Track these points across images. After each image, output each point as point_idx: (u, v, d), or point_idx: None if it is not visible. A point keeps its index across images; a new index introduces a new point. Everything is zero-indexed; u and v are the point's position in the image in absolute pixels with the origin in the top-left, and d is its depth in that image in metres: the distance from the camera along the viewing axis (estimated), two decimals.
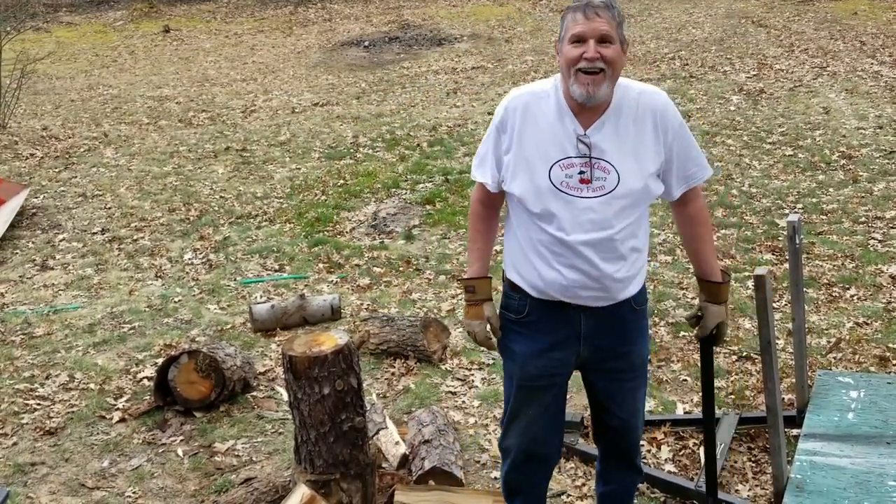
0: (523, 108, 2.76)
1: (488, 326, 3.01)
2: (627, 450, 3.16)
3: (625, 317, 2.88)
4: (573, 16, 2.65)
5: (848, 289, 5.70)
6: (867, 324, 5.24)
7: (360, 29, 17.36)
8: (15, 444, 4.47)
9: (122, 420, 4.65)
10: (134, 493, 4.06)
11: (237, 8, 20.30)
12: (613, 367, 2.97)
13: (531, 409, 3.02)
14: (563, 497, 3.86)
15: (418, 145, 9.54)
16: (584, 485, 3.92)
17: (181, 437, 4.48)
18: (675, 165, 2.79)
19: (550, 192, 2.71)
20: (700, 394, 4.57)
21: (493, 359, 5.06)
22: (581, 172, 2.68)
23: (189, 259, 6.87)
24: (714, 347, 3.11)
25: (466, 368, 4.99)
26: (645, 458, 4.07)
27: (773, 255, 6.28)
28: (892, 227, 6.61)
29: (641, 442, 4.14)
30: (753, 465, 4.00)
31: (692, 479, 3.80)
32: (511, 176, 2.79)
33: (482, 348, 5.14)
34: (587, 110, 2.68)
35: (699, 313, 2.99)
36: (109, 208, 8.11)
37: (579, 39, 2.62)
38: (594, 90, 2.61)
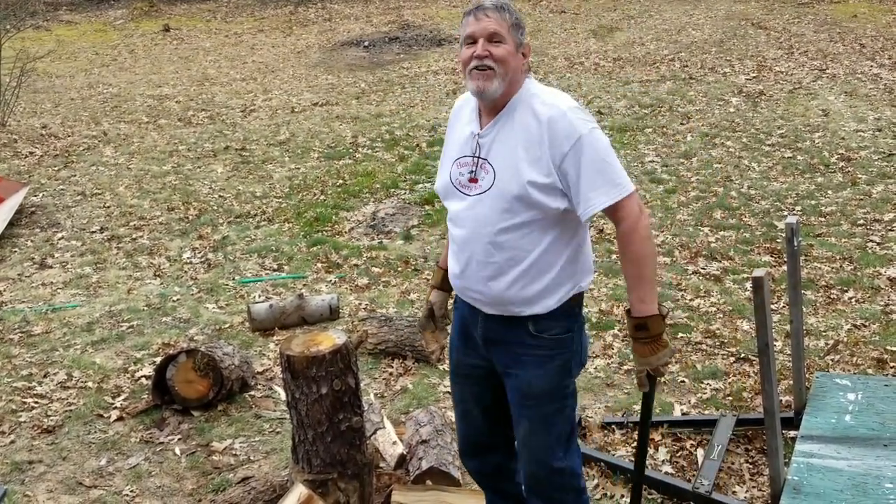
0: (455, 111, 2.97)
1: (432, 310, 3.21)
2: (526, 480, 3.02)
3: (520, 339, 2.82)
4: (466, 19, 2.76)
5: (846, 291, 5.70)
6: (865, 326, 5.24)
7: (360, 29, 17.37)
8: (13, 442, 4.47)
9: (119, 419, 4.65)
10: (131, 491, 4.06)
11: (237, 7, 20.30)
12: (508, 385, 2.92)
13: (465, 397, 3.11)
14: None
15: (417, 145, 9.54)
16: None
17: (179, 436, 4.48)
18: (570, 183, 2.65)
19: (449, 188, 2.84)
20: (697, 395, 4.58)
21: None
22: (471, 171, 2.78)
23: (188, 258, 6.87)
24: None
25: None
26: None
27: (771, 256, 6.28)
28: (890, 230, 6.62)
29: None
30: (751, 466, 4.00)
31: (689, 481, 3.80)
32: (438, 172, 2.98)
33: None
34: (489, 111, 2.77)
35: None
36: (108, 207, 8.11)
37: (471, 40, 2.72)
38: (484, 85, 2.69)
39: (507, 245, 2.72)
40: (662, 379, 2.82)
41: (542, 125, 2.65)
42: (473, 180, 2.76)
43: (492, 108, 2.75)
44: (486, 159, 2.74)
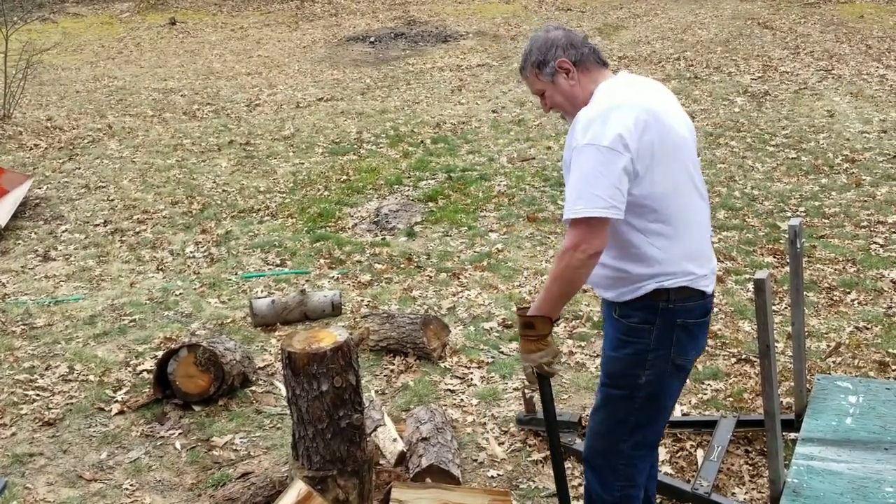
0: None
1: None
2: (584, 450, 3.17)
3: (611, 318, 2.95)
4: None
5: (848, 293, 5.69)
6: (867, 328, 5.23)
7: (365, 24, 17.36)
8: (14, 434, 4.48)
9: (120, 412, 4.66)
10: (131, 485, 4.07)
11: (243, 1, 20.29)
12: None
13: None
14: None
15: (422, 142, 9.54)
16: (580, 485, 3.92)
17: (179, 431, 4.49)
18: None
19: None
20: (698, 396, 4.58)
21: (492, 357, 5.07)
22: None
23: (191, 252, 6.88)
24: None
25: (465, 367, 5.00)
26: None
27: (774, 257, 6.27)
28: (894, 232, 6.61)
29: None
30: (750, 468, 4.00)
31: (688, 482, 3.80)
32: None
33: (482, 347, 5.17)
34: None
35: None
36: (112, 200, 8.12)
37: None
38: (568, 120, 2.91)
39: None
40: (552, 378, 2.99)
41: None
42: None
43: None
44: None
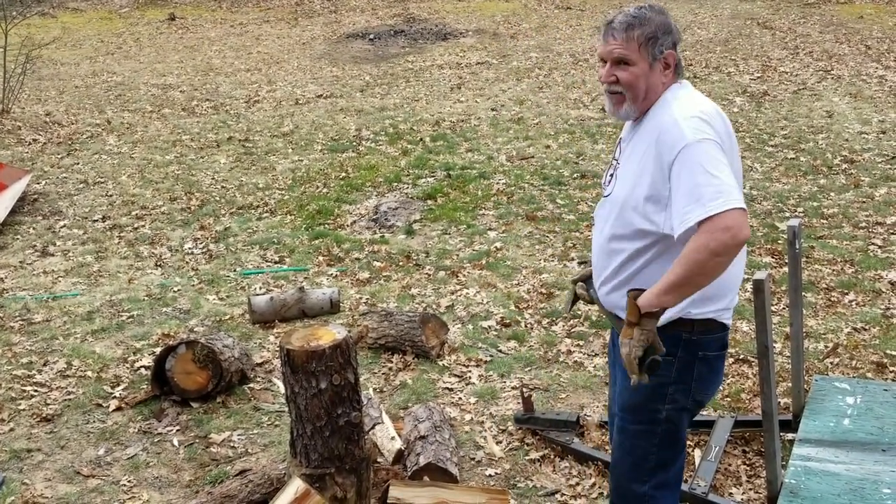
0: None
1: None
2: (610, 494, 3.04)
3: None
4: (599, 36, 2.78)
5: (846, 294, 5.70)
6: (865, 329, 5.24)
7: (365, 21, 17.33)
8: (11, 429, 4.48)
9: (118, 408, 4.66)
10: (129, 481, 4.07)
11: None
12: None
13: (611, 371, 3.23)
14: (558, 496, 3.87)
15: (421, 140, 9.53)
16: (577, 484, 3.93)
17: (177, 427, 4.49)
18: (671, 196, 2.54)
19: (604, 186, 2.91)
20: None
21: (491, 356, 5.07)
22: (611, 174, 2.83)
23: (189, 249, 6.87)
24: None
25: (464, 365, 5.00)
26: None
27: (772, 258, 6.27)
28: (892, 233, 6.61)
29: None
30: (748, 468, 4.00)
31: (686, 482, 3.80)
32: None
33: (481, 345, 5.17)
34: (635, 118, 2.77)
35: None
36: (111, 196, 8.11)
37: (601, 60, 2.75)
38: (615, 109, 2.74)
39: (614, 252, 2.73)
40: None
41: (656, 135, 2.59)
42: (610, 183, 2.82)
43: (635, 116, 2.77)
44: (619, 164, 2.78)
